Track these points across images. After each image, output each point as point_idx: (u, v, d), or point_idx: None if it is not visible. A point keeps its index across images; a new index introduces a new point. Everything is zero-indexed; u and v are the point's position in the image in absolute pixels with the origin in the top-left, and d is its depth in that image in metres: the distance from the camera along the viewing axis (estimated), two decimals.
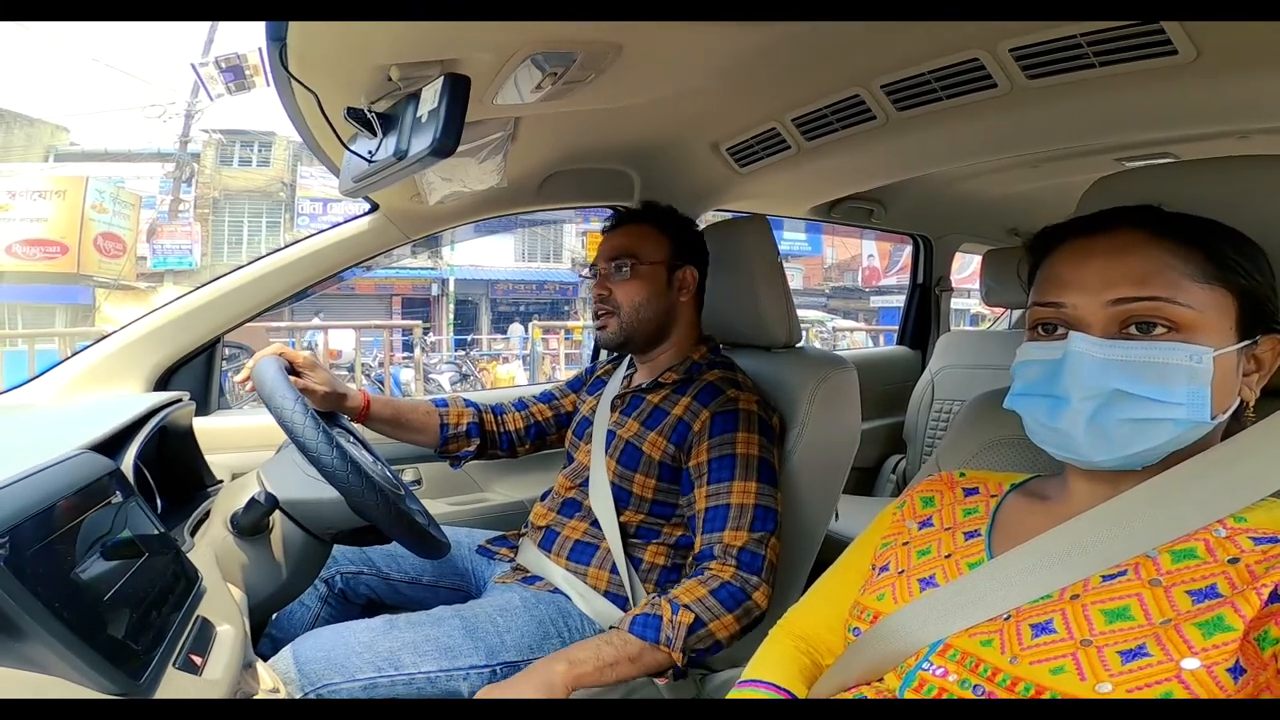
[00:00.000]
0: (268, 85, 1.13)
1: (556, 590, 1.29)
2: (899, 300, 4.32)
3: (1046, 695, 0.56)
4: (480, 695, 1.00)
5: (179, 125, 15.21)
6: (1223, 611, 0.53)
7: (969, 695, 0.60)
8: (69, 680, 0.56)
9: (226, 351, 1.74)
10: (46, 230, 13.09)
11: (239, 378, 1.21)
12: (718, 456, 1.20)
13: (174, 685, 0.64)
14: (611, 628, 1.08)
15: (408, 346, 10.84)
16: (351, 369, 7.29)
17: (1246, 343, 0.64)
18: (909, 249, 3.05)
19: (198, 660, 0.69)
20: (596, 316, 1.38)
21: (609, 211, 1.90)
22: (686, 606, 1.07)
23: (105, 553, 0.69)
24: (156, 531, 0.79)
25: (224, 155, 16.24)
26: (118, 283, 13.49)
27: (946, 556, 0.73)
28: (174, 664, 0.66)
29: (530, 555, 1.37)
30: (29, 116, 15.19)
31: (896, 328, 3.19)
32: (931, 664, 0.64)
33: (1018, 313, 3.06)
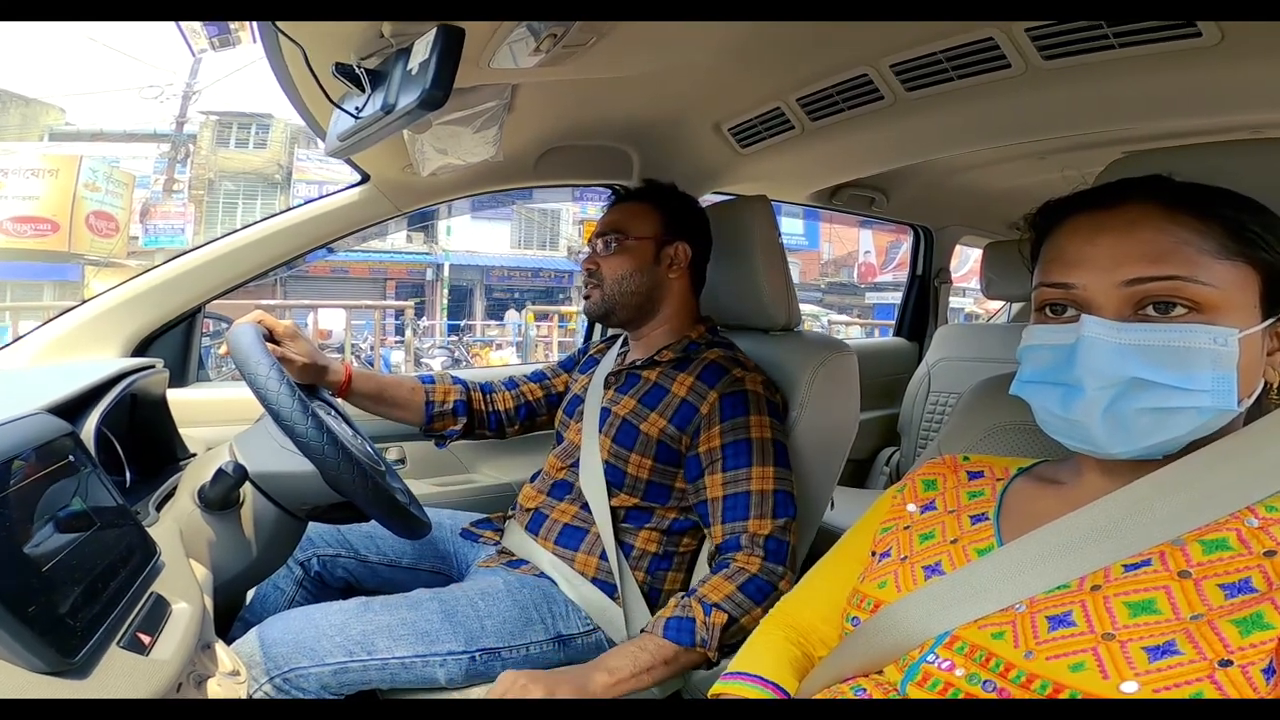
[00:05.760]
0: (254, 41, 1.08)
1: (542, 574, 1.24)
2: (894, 297, 4.29)
3: (1065, 694, 0.52)
4: (505, 682, 0.97)
5: (176, 106, 15.14)
6: (1262, 608, 0.49)
7: (978, 691, 0.56)
8: None
9: (210, 325, 1.69)
10: (38, 208, 13.02)
11: (222, 350, 1.17)
12: (732, 442, 1.17)
13: (115, 665, 0.59)
14: (643, 631, 1.08)
15: (400, 330, 10.78)
16: (341, 349, 7.23)
17: (1272, 320, 0.59)
18: (906, 246, 3.01)
19: (146, 639, 0.64)
20: (585, 288, 1.38)
21: (607, 197, 1.87)
22: (718, 606, 1.06)
23: (58, 525, 0.64)
24: (114, 502, 0.74)
25: (221, 136, 16.13)
26: (107, 261, 13.38)
27: (952, 542, 0.69)
28: (118, 642, 0.62)
29: (516, 538, 1.32)
30: (25, 96, 15.22)
31: (891, 323, 3.15)
32: (937, 657, 0.60)
33: (1016, 307, 3.03)
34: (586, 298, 1.37)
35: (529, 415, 1.52)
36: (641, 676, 1.01)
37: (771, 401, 1.21)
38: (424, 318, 15.03)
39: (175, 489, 0.99)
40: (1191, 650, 0.49)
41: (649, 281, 1.33)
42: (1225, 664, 0.48)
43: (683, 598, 1.09)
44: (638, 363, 1.33)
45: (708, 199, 1.77)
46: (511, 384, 1.54)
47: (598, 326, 2.16)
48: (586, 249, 1.40)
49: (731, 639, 1.06)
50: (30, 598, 0.55)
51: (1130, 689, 0.49)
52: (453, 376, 1.49)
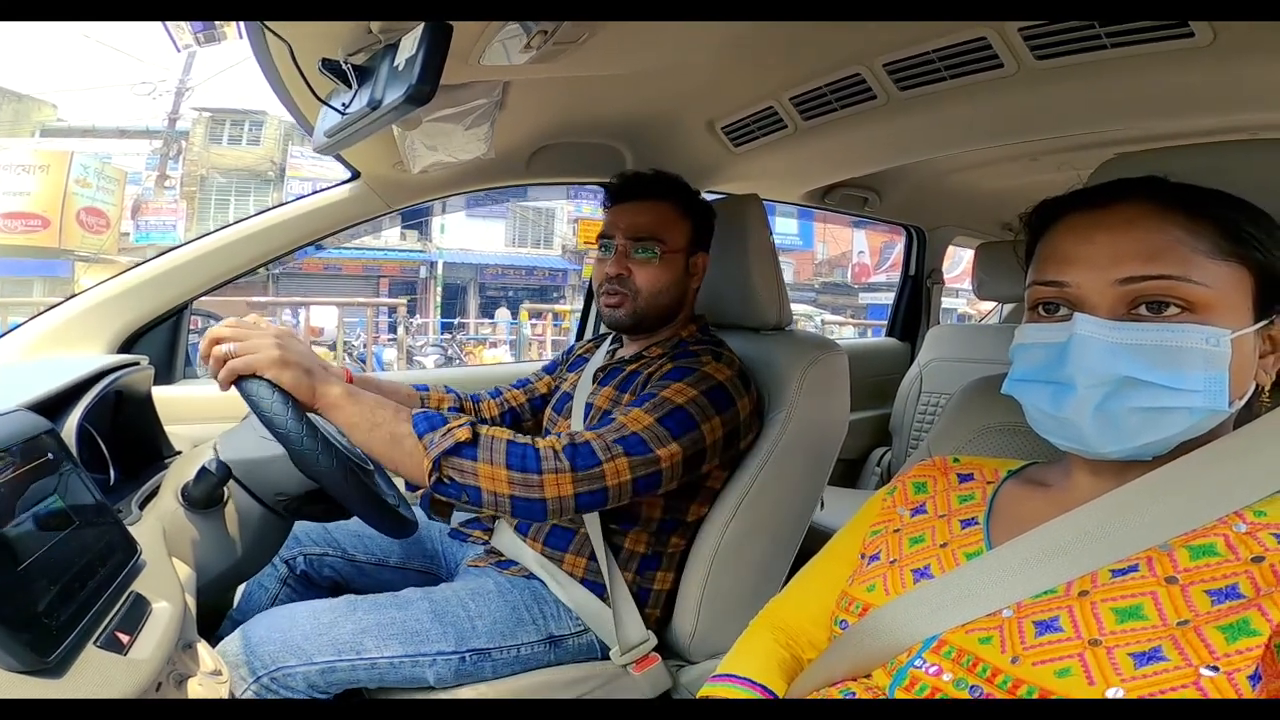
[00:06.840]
0: (240, 37, 1.07)
1: (532, 576, 1.24)
2: (887, 297, 4.31)
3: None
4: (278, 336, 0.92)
5: (169, 103, 15.08)
6: (1248, 615, 0.49)
7: (965, 696, 0.56)
8: None
9: (198, 322, 1.68)
10: (28, 204, 12.96)
11: None
12: (646, 393, 1.13)
13: (92, 664, 0.59)
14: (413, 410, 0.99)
15: (393, 328, 10.75)
16: (334, 347, 7.21)
17: (1264, 322, 0.59)
18: (900, 247, 3.01)
19: (124, 638, 0.64)
20: (609, 295, 1.28)
21: (599, 196, 1.85)
22: (477, 432, 0.97)
23: (36, 522, 0.63)
24: (94, 500, 0.73)
25: (213, 133, 16.03)
26: (98, 257, 13.31)
27: (942, 545, 0.68)
28: (95, 641, 0.61)
29: (505, 539, 1.31)
30: (17, 93, 15.20)
31: (884, 322, 3.16)
32: (925, 661, 0.59)
33: (1008, 308, 3.04)
34: (615, 307, 1.27)
35: (514, 421, 1.51)
36: (359, 425, 0.94)
37: (722, 388, 1.14)
38: (417, 315, 14.99)
39: (159, 487, 0.98)
40: (1177, 656, 0.49)
41: (678, 292, 1.30)
42: (1211, 670, 0.48)
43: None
44: (625, 357, 1.32)
45: None
46: (496, 393, 1.53)
47: (589, 326, 2.14)
48: (591, 248, 1.36)
49: (456, 473, 0.95)
50: (5, 596, 0.54)
51: (1116, 695, 0.49)
52: (445, 386, 1.49)
